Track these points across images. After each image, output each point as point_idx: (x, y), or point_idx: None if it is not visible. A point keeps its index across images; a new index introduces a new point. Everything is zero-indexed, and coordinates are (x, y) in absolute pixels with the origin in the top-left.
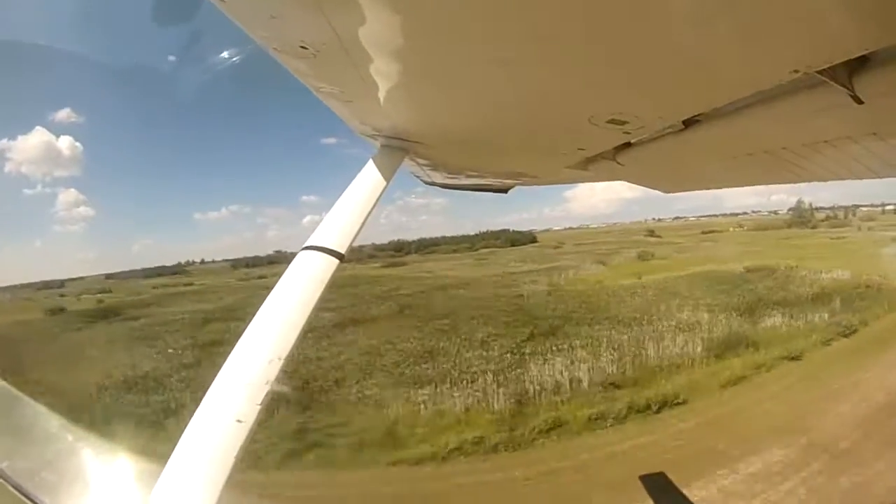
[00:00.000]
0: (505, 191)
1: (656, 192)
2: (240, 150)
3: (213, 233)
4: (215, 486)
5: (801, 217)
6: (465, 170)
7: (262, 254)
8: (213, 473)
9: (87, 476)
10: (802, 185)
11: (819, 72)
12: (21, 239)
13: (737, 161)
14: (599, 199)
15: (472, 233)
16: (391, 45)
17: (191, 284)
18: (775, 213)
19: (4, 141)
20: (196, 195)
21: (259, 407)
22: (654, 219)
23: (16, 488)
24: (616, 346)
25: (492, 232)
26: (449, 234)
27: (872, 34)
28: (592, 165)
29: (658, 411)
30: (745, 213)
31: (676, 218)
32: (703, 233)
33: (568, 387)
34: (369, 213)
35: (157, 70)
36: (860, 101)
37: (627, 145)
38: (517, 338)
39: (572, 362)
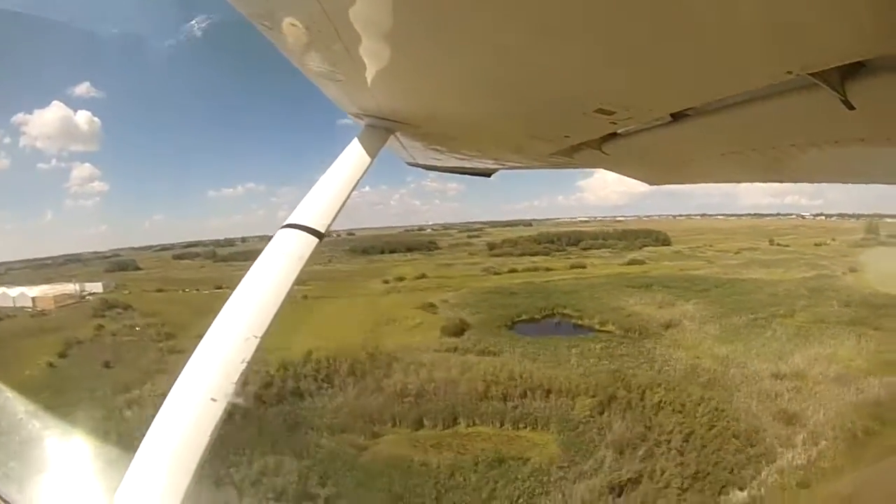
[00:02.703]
0: (488, 174)
1: (669, 186)
2: (259, 129)
3: (226, 210)
4: (191, 463)
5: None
6: (449, 152)
7: (271, 233)
8: (189, 451)
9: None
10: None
11: (812, 74)
12: (32, 212)
13: (724, 157)
14: (611, 191)
15: (483, 219)
16: (381, 25)
17: None
18: (822, 215)
19: (20, 115)
20: (212, 172)
21: (234, 385)
22: (671, 215)
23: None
24: None
25: (633, 231)
26: (460, 220)
27: (868, 42)
28: (577, 153)
29: None
30: (792, 215)
31: (704, 215)
32: (772, 242)
33: None
34: (351, 192)
35: (179, 48)
36: (851, 107)
37: (613, 135)
38: None
39: None
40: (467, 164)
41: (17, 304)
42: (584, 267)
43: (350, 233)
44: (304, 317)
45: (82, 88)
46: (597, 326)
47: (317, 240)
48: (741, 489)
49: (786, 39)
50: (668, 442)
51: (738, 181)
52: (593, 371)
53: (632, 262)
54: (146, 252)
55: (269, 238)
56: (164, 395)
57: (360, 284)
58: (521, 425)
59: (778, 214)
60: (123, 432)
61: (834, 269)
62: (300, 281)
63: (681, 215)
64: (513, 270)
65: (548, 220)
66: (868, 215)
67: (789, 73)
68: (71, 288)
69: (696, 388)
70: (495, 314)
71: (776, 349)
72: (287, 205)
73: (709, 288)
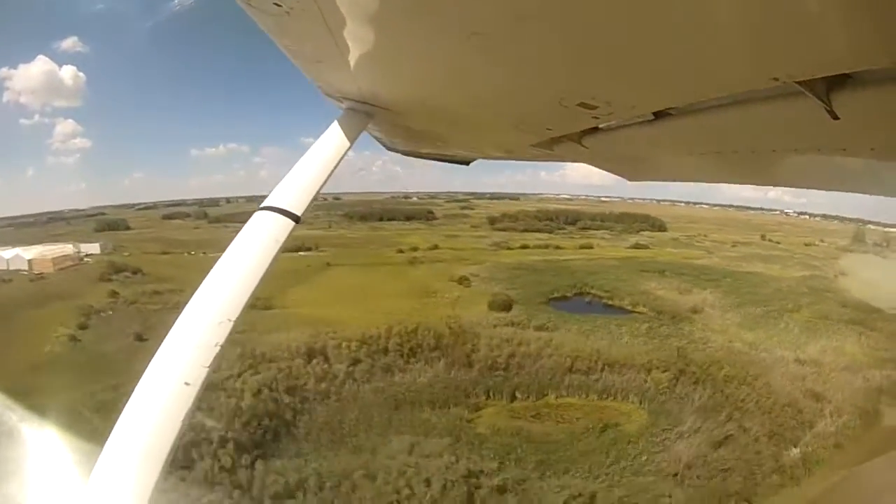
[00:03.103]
0: (467, 163)
1: None
2: (244, 87)
3: (207, 170)
4: (163, 448)
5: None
6: (429, 139)
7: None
8: (162, 436)
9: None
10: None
11: (798, 82)
12: (13, 169)
13: (704, 157)
14: (595, 171)
15: (465, 190)
16: (365, 8)
17: None
18: (806, 214)
19: (4, 70)
20: (195, 131)
21: (207, 369)
22: (655, 200)
23: None
24: None
25: (629, 214)
26: (443, 189)
27: (857, 54)
28: (558, 146)
29: None
30: (776, 211)
31: (689, 203)
32: (764, 237)
33: None
34: (329, 175)
35: (168, 4)
36: (836, 117)
37: (594, 129)
38: None
39: None
40: (446, 152)
41: (12, 267)
42: (591, 248)
43: (336, 197)
44: (340, 286)
45: (69, 43)
46: (629, 307)
47: (293, 223)
48: (795, 446)
49: (774, 46)
50: (744, 408)
51: (718, 181)
52: (651, 348)
53: (636, 247)
54: (129, 210)
55: (256, 198)
56: (216, 371)
57: (375, 253)
58: (605, 396)
59: (762, 209)
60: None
61: (826, 270)
62: (314, 245)
63: (665, 200)
64: (524, 246)
65: (532, 194)
66: (851, 219)
67: (775, 79)
68: (67, 249)
69: (741, 367)
70: (531, 291)
71: (792, 339)
72: (269, 164)
73: (718, 278)
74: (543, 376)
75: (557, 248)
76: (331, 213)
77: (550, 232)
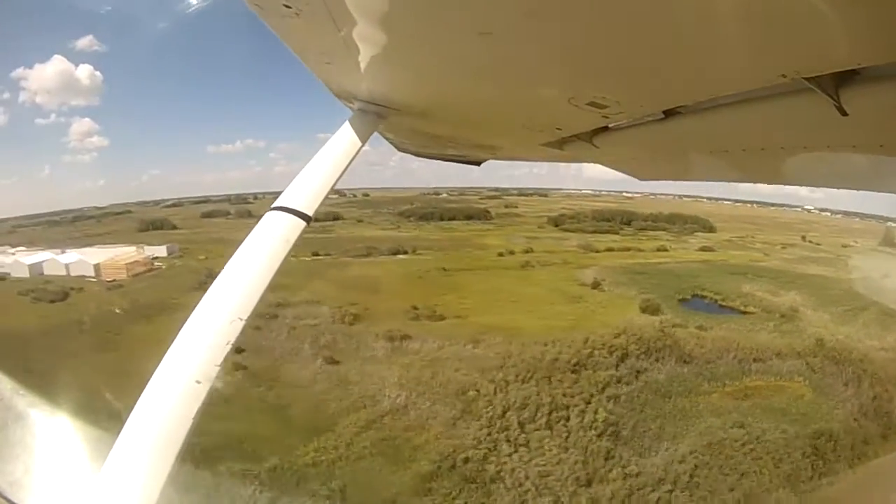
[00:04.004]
0: (478, 163)
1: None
2: (260, 84)
3: (223, 166)
4: (173, 446)
5: (888, 238)
6: (440, 140)
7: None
8: (172, 433)
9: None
10: None
11: (807, 79)
12: (30, 168)
13: (714, 156)
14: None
15: (487, 185)
16: (375, 11)
17: None
18: (828, 211)
19: (20, 70)
20: (212, 128)
21: (218, 368)
22: (677, 195)
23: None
24: None
25: (679, 215)
26: (465, 185)
27: (865, 50)
28: (568, 145)
29: None
30: (798, 208)
31: (711, 199)
32: (804, 238)
33: None
34: (340, 176)
35: (183, 2)
36: (844, 113)
37: (605, 129)
38: None
39: None
40: (457, 152)
41: (73, 273)
42: (667, 250)
43: (365, 193)
44: (483, 292)
45: (85, 42)
46: (741, 308)
47: (304, 223)
48: None
49: (782, 42)
50: (876, 380)
51: (728, 180)
52: (789, 341)
53: (703, 249)
54: (155, 208)
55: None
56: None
57: (473, 256)
58: (779, 378)
59: (784, 206)
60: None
61: (871, 272)
62: (411, 249)
63: (687, 196)
64: (609, 249)
65: (556, 189)
66: (870, 215)
67: (783, 76)
68: (132, 252)
69: (858, 353)
70: (660, 294)
71: (876, 333)
72: (285, 160)
73: (791, 280)
74: (736, 366)
75: (638, 250)
76: (381, 212)
77: (616, 233)
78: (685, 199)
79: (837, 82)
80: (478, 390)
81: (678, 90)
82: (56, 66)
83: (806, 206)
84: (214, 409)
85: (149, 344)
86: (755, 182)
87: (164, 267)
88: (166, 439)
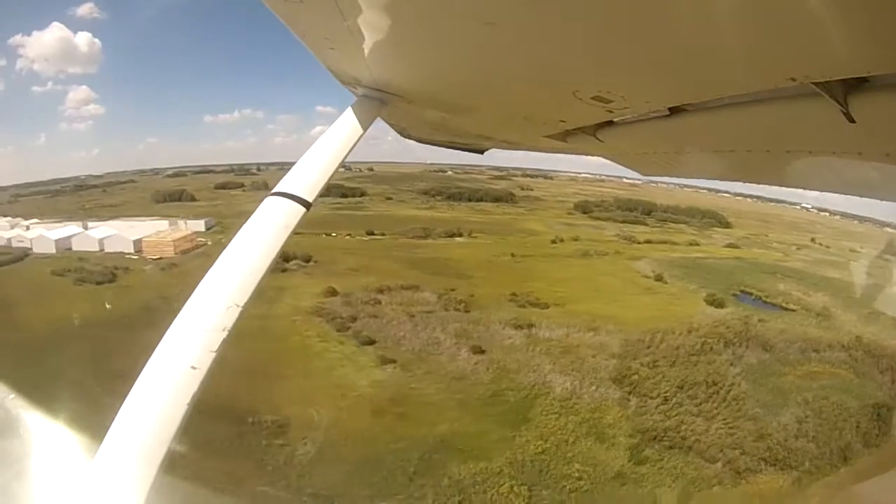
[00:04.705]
0: (481, 151)
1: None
2: (262, 53)
3: (219, 136)
4: (167, 431)
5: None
6: (443, 127)
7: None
8: (167, 419)
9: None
10: None
11: (815, 84)
12: (26, 136)
13: (718, 155)
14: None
15: (488, 164)
16: None
17: None
18: (826, 211)
19: (18, 37)
20: (210, 97)
21: (214, 354)
22: (678, 185)
23: None
24: None
25: (695, 208)
26: (457, 163)
27: (876, 57)
28: (571, 138)
29: None
30: (797, 205)
31: (711, 190)
32: (814, 240)
33: None
34: (341, 161)
35: None
36: (852, 120)
37: (609, 123)
38: None
39: None
40: (460, 140)
41: (108, 249)
42: (698, 244)
43: (369, 168)
44: (566, 280)
45: (85, 9)
46: (783, 305)
47: (304, 209)
48: None
49: (793, 46)
50: None
51: (732, 179)
52: (834, 335)
53: (730, 246)
54: (157, 178)
55: (287, 165)
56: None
57: (527, 242)
58: (831, 367)
59: (783, 202)
60: None
61: (882, 278)
62: (466, 231)
63: (687, 186)
64: (648, 241)
65: (557, 172)
66: (865, 218)
67: (792, 79)
68: (166, 226)
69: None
70: (714, 288)
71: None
72: (283, 132)
73: (817, 282)
74: (800, 355)
75: (673, 244)
76: (401, 189)
77: (644, 224)
78: (686, 189)
79: (846, 88)
80: (637, 373)
81: (686, 88)
82: (54, 33)
83: (804, 205)
84: (421, 412)
85: (255, 333)
86: (759, 182)
87: (209, 243)
88: (161, 424)
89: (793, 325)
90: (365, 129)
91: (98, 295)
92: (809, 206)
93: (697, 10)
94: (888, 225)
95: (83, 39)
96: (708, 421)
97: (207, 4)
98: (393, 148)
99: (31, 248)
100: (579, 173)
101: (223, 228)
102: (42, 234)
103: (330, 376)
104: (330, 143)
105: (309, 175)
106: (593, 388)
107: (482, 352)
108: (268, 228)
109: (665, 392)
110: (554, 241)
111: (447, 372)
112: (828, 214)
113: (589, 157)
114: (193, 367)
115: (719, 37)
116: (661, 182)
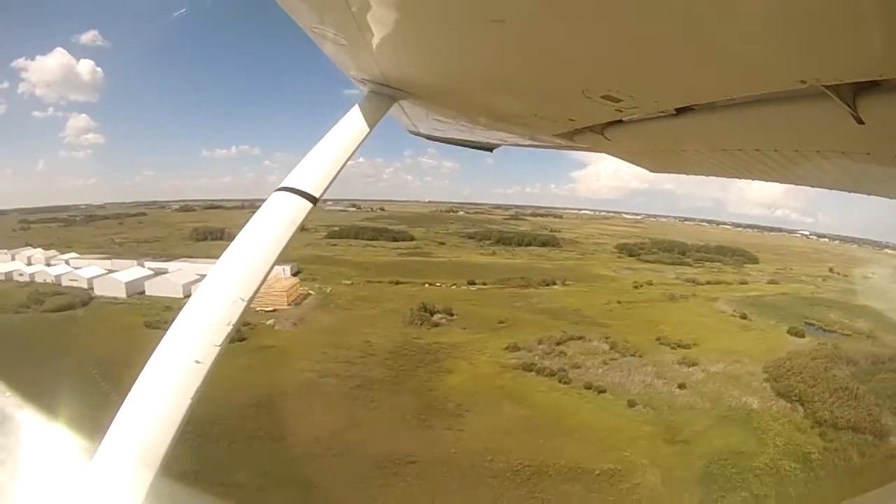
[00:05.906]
0: (490, 149)
1: (660, 187)
2: (259, 90)
3: (217, 171)
4: (173, 422)
5: None
6: (453, 124)
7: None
8: (171, 412)
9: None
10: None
11: (825, 86)
12: (25, 161)
13: (726, 154)
14: (603, 185)
15: (478, 201)
16: None
17: None
18: (826, 237)
19: (21, 60)
20: (208, 133)
21: (219, 348)
22: (677, 217)
23: None
24: None
25: (725, 247)
26: (459, 200)
27: (883, 62)
28: (580, 136)
29: None
30: (797, 233)
31: (712, 222)
32: (832, 270)
33: None
34: (349, 158)
35: (193, 4)
36: (861, 122)
37: (618, 122)
38: None
39: None
40: (469, 137)
41: (187, 293)
42: (747, 283)
43: (381, 207)
44: (684, 325)
45: (88, 36)
46: (841, 331)
47: (311, 204)
48: None
49: (804, 49)
50: None
51: (740, 177)
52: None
53: (772, 283)
54: (164, 211)
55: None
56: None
57: (612, 288)
58: None
59: (781, 230)
60: None
61: None
62: (561, 280)
63: (687, 219)
64: (709, 283)
65: (559, 208)
66: (865, 240)
67: (802, 81)
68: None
69: None
70: (788, 322)
71: None
72: (279, 170)
73: (851, 310)
74: (879, 367)
75: (727, 283)
76: (433, 231)
77: (688, 265)
78: (687, 222)
79: (855, 91)
80: (796, 388)
81: (695, 89)
82: (58, 59)
83: (802, 231)
84: (699, 437)
85: (497, 396)
86: (766, 181)
87: (312, 293)
88: (165, 416)
89: (856, 346)
90: (372, 126)
91: (238, 364)
92: (807, 233)
93: (709, 13)
94: (886, 246)
95: (86, 67)
96: (854, 410)
97: (208, 40)
98: (389, 186)
99: (90, 290)
100: (580, 210)
101: (310, 275)
102: (111, 275)
103: (609, 426)
104: (337, 139)
105: (316, 170)
106: (771, 402)
107: (684, 387)
108: (274, 223)
109: (821, 397)
110: (636, 287)
111: (679, 405)
112: (827, 240)
113: (581, 192)
114: (198, 361)
115: (731, 39)
116: (662, 215)
